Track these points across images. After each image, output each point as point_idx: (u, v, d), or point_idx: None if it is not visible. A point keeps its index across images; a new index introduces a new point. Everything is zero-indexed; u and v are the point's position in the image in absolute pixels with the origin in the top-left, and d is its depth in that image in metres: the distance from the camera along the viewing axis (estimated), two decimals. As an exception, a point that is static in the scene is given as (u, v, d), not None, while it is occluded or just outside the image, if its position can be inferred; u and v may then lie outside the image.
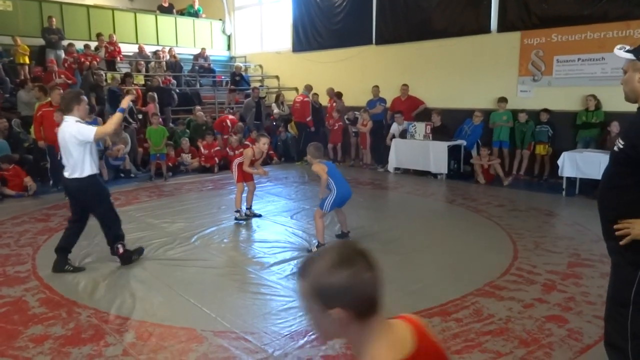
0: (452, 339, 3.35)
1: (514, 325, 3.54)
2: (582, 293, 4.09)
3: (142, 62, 12.80)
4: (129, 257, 4.86)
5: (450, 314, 3.73)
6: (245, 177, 6.47)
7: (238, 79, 13.51)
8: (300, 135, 11.73)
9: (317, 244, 5.25)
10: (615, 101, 8.36)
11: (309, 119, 11.39)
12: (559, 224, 6.53)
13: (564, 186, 7.89)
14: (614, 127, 8.01)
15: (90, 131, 4.45)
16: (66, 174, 4.57)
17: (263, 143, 6.13)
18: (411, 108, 10.74)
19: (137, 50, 13.59)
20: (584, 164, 7.60)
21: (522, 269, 4.65)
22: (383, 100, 10.98)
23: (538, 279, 4.39)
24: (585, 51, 8.73)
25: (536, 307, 3.84)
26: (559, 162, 7.85)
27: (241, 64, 14.42)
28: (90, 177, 4.53)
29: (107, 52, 12.64)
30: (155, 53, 13.72)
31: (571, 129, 8.74)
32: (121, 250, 4.81)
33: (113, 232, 4.79)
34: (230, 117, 11.59)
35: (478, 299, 3.98)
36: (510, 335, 3.40)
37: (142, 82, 12.13)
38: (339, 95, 11.66)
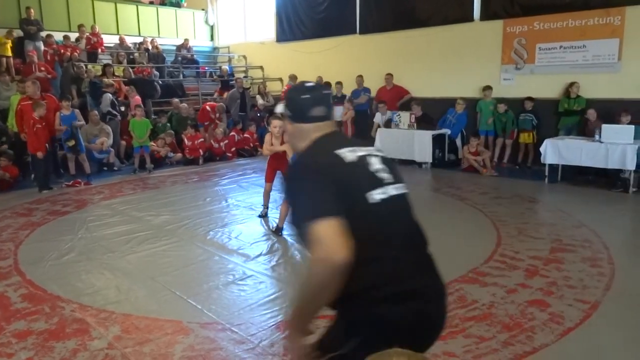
0: (437, 325, 3.38)
1: (497, 311, 3.59)
2: (564, 277, 4.16)
3: (123, 54, 12.59)
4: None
5: (435, 301, 3.76)
6: (278, 166, 5.98)
7: (223, 80, 13.42)
8: None
9: (276, 227, 5.48)
10: (595, 88, 8.49)
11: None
12: (541, 211, 6.62)
13: (547, 173, 7.99)
14: (591, 114, 8.12)
15: None
16: None
17: (273, 126, 5.89)
18: (396, 97, 10.75)
19: (117, 42, 13.38)
20: (565, 150, 7.70)
21: (506, 255, 4.71)
22: (367, 90, 10.98)
23: (521, 265, 4.46)
24: (566, 39, 8.81)
25: (519, 292, 3.90)
26: (542, 149, 7.94)
27: (227, 67, 14.20)
28: None
29: (90, 44, 12.42)
30: (139, 44, 13.53)
31: (553, 116, 8.83)
32: None
33: None
34: (209, 103, 11.43)
35: (462, 286, 4.03)
36: (493, 320, 3.45)
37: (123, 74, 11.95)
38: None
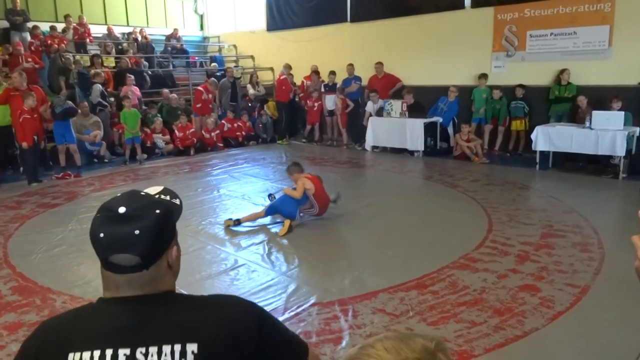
0: (429, 311, 3.41)
1: (488, 296, 3.62)
2: (554, 262, 4.20)
3: (111, 44, 12.44)
4: None
5: (427, 287, 3.79)
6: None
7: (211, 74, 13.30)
8: (280, 114, 11.71)
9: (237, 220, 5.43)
10: (586, 75, 8.50)
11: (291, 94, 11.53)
12: (532, 197, 6.66)
13: (538, 160, 8.03)
14: (582, 101, 8.15)
15: None
16: None
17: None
18: (388, 86, 10.72)
19: (105, 32, 13.20)
20: (556, 137, 7.74)
21: (497, 241, 4.74)
22: (358, 79, 10.93)
23: (512, 251, 4.49)
24: (557, 25, 8.80)
25: (510, 277, 3.93)
26: (533, 136, 7.97)
27: (216, 64, 13.99)
28: None
29: (77, 34, 12.24)
30: (128, 35, 13.36)
31: (544, 103, 8.85)
32: None
33: None
34: (199, 88, 11.21)
35: (454, 272, 4.06)
36: (484, 305, 3.48)
37: (113, 64, 11.81)
38: (318, 73, 11.54)
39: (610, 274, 3.95)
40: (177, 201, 1.17)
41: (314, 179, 5.50)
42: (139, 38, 13.33)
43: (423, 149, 9.37)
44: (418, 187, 7.47)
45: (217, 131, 10.79)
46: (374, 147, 10.16)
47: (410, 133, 9.39)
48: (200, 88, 11.05)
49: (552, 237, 4.82)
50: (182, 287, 3.86)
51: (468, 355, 2.89)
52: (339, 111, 10.81)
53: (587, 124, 7.46)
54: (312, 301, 3.63)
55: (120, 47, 12.74)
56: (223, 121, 11.13)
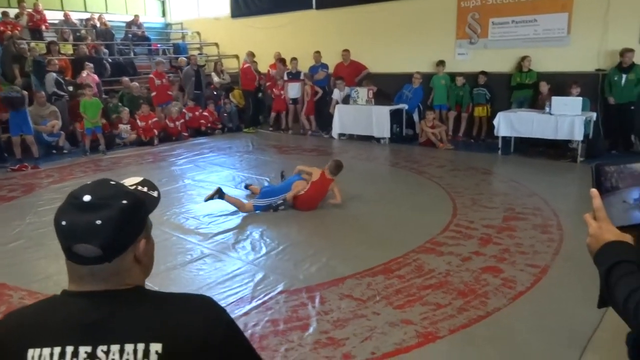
0: (395, 295, 3.45)
1: (452, 278, 3.68)
2: (516, 244, 4.31)
3: (68, 31, 11.98)
4: None
5: (393, 272, 3.83)
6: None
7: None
8: (247, 103, 11.57)
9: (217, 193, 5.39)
10: (546, 62, 8.72)
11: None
12: (495, 181, 6.81)
13: (500, 145, 8.21)
14: (543, 87, 8.35)
15: None
16: None
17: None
18: (354, 73, 10.73)
19: (62, 18, 12.71)
20: (518, 123, 7.92)
21: (461, 225, 4.82)
22: (325, 66, 10.90)
23: (475, 234, 4.58)
24: (518, 13, 8.98)
25: (473, 260, 4.01)
26: (495, 122, 8.14)
27: (184, 60, 13.59)
28: None
29: (32, 21, 11.73)
30: (86, 21, 12.90)
31: (506, 90, 9.03)
32: None
33: None
34: (150, 76, 10.91)
35: (419, 256, 4.11)
36: (449, 287, 3.54)
37: (71, 51, 11.39)
38: (283, 61, 11.43)
39: (568, 254, 4.09)
40: (155, 193, 1.13)
41: (316, 185, 5.44)
42: (98, 24, 12.89)
43: (389, 136, 9.44)
44: (384, 174, 7.53)
45: (182, 120, 10.58)
46: (340, 135, 10.17)
47: (377, 120, 9.44)
48: (151, 76, 10.76)
49: (514, 220, 4.94)
50: (147, 278, 3.79)
51: (433, 336, 2.94)
52: (307, 98, 10.75)
53: (547, 109, 7.66)
54: (279, 289, 3.62)
55: (78, 34, 12.29)
56: (184, 110, 10.92)
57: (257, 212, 5.41)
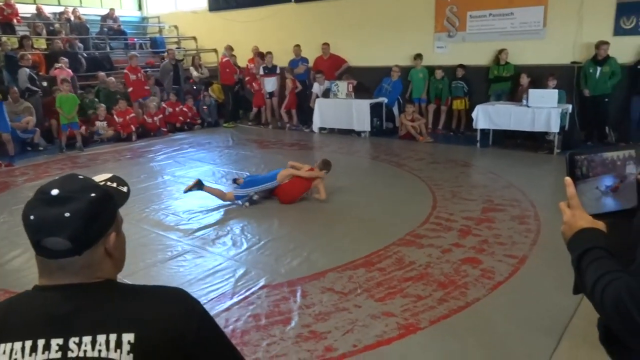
0: (376, 288, 3.47)
1: (433, 270, 3.72)
2: (494, 235, 4.37)
3: (41, 25, 11.68)
4: None
5: (374, 264, 3.85)
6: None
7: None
8: (226, 97, 11.46)
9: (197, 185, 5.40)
10: (523, 55, 8.82)
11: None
12: (474, 174, 6.88)
13: (479, 138, 8.30)
14: (523, 78, 8.45)
15: None
16: None
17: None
18: (334, 67, 10.71)
19: (35, 12, 12.39)
20: (496, 116, 8.01)
21: (441, 217, 4.87)
22: (305, 60, 10.86)
23: (455, 226, 4.63)
24: (495, 6, 9.05)
25: (453, 251, 4.06)
26: (473, 115, 8.22)
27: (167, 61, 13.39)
28: None
29: (2, 15, 11.41)
30: (60, 14, 12.59)
31: (484, 83, 9.12)
32: None
33: None
34: (125, 72, 10.73)
35: (400, 248, 4.14)
36: (429, 279, 3.58)
37: (44, 46, 11.12)
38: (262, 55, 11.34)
39: (546, 244, 4.16)
40: (125, 189, 1.13)
41: (299, 180, 5.45)
42: (72, 18, 12.61)
43: (369, 129, 9.46)
44: (365, 168, 7.55)
45: (160, 115, 10.44)
46: (321, 129, 10.16)
47: (357, 114, 9.46)
48: (125, 71, 10.58)
49: (493, 212, 5.01)
50: (126, 276, 3.74)
51: (414, 328, 2.97)
52: (288, 91, 10.68)
53: (525, 102, 7.76)
54: (261, 284, 3.61)
55: (51, 28, 12.00)
56: (164, 105, 10.77)
57: (238, 201, 5.39)
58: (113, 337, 0.95)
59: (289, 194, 5.45)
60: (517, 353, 2.74)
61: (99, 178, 1.12)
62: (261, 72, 10.88)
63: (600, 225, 1.09)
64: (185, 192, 5.47)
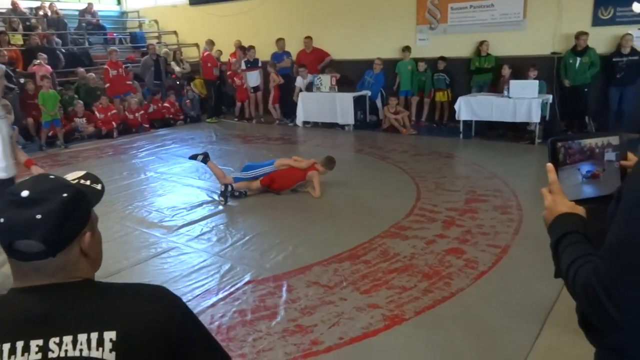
0: (362, 280, 3.49)
1: (417, 261, 3.75)
2: (478, 225, 4.42)
3: (17, 20, 11.43)
4: None
5: (360, 257, 3.87)
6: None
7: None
8: (209, 92, 11.36)
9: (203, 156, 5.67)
10: (504, 46, 8.89)
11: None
12: (457, 165, 6.94)
13: (461, 129, 8.36)
14: (505, 70, 8.52)
15: None
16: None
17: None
18: (317, 60, 10.66)
19: (10, 7, 12.11)
20: (478, 107, 8.07)
21: (425, 209, 4.91)
22: (288, 54, 10.80)
23: (439, 217, 4.67)
24: (476, -2, 9.10)
25: (437, 242, 4.09)
26: (456, 106, 8.27)
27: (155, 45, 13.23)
28: None
29: (-25, 10, 11.16)
30: (36, 9, 12.33)
31: (466, 74, 9.18)
32: None
33: None
34: (105, 67, 10.51)
35: (385, 240, 4.16)
36: (414, 270, 3.61)
37: (21, 42, 10.89)
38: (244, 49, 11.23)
39: (528, 233, 4.22)
40: (99, 186, 1.11)
41: (297, 170, 5.50)
42: (49, 13, 12.36)
43: (353, 122, 9.47)
44: (349, 161, 7.54)
45: (142, 111, 10.31)
46: (305, 123, 10.14)
47: (340, 107, 9.45)
48: (105, 67, 10.41)
49: (476, 202, 5.06)
50: (111, 274, 3.71)
51: (399, 319, 2.99)
52: (272, 84, 10.62)
53: (506, 93, 7.83)
54: (246, 279, 3.60)
55: (28, 23, 11.74)
56: (146, 102, 10.63)
57: (220, 197, 5.42)
58: (94, 335, 0.94)
59: (282, 180, 5.46)
60: (501, 340, 2.78)
61: (72, 176, 1.09)
62: (243, 66, 10.79)
63: (580, 210, 1.11)
64: (190, 158, 5.82)
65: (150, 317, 0.99)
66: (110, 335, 0.94)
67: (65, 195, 0.97)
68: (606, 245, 0.95)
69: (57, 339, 0.93)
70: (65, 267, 0.98)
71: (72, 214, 0.97)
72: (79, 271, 1.01)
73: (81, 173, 1.12)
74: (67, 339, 0.94)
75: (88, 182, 1.10)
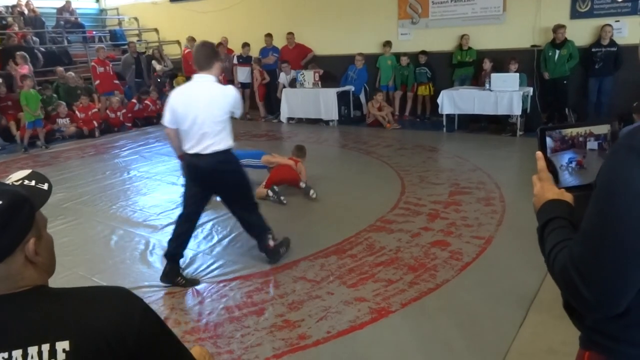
0: (348, 274, 3.51)
1: (403, 255, 3.78)
2: (462, 218, 4.47)
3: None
4: (278, 252, 3.78)
5: (346, 251, 3.89)
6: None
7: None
8: None
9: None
10: (485, 40, 8.97)
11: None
12: (440, 158, 7.00)
13: (444, 123, 8.43)
14: (486, 63, 8.60)
15: None
16: (197, 149, 3.50)
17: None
18: (300, 56, 10.65)
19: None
20: (460, 101, 8.14)
21: (409, 202, 4.95)
22: (276, 50, 10.75)
23: (423, 210, 4.71)
24: (456, -8, 9.16)
25: (422, 235, 4.13)
26: (439, 100, 8.33)
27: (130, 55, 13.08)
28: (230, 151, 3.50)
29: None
30: (12, 7, 12.09)
31: (448, 68, 9.25)
32: (272, 244, 3.70)
33: (257, 222, 3.68)
34: (92, 64, 10.45)
35: (370, 234, 4.19)
36: (400, 263, 3.64)
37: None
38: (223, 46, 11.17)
39: (511, 224, 4.28)
40: (45, 186, 1.05)
41: (285, 168, 5.46)
42: (26, 11, 12.13)
43: (337, 118, 9.48)
44: (334, 156, 7.58)
45: (123, 110, 10.19)
46: (289, 119, 10.13)
47: (324, 103, 9.46)
48: (92, 64, 10.29)
49: (459, 195, 5.11)
50: (94, 274, 3.69)
51: (386, 311, 3.02)
52: (257, 82, 10.58)
53: (487, 86, 7.92)
54: (233, 276, 3.60)
55: (4, 22, 11.52)
56: (133, 100, 10.51)
57: None
58: (46, 347, 0.90)
59: (282, 175, 5.43)
60: (486, 328, 2.82)
61: (17, 176, 1.04)
62: (235, 61, 10.74)
63: (568, 197, 1.14)
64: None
65: (107, 324, 0.95)
66: (63, 345, 0.91)
67: (0, 203, 0.91)
68: (580, 231, 0.98)
69: (5, 355, 0.90)
70: (9, 278, 0.93)
71: (10, 223, 0.91)
72: (26, 280, 0.96)
73: (26, 173, 1.06)
74: (17, 353, 0.90)
75: (33, 183, 1.03)
